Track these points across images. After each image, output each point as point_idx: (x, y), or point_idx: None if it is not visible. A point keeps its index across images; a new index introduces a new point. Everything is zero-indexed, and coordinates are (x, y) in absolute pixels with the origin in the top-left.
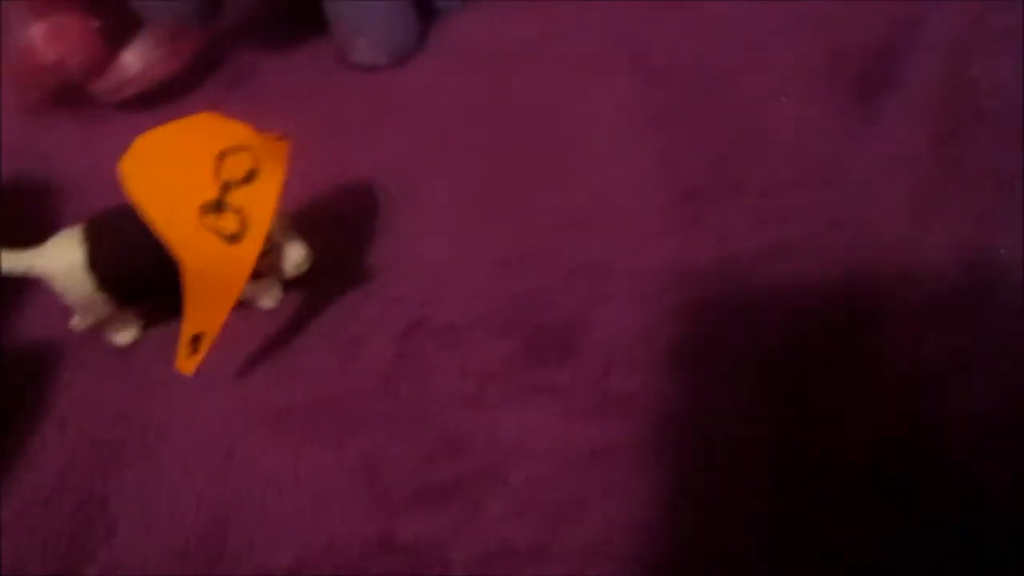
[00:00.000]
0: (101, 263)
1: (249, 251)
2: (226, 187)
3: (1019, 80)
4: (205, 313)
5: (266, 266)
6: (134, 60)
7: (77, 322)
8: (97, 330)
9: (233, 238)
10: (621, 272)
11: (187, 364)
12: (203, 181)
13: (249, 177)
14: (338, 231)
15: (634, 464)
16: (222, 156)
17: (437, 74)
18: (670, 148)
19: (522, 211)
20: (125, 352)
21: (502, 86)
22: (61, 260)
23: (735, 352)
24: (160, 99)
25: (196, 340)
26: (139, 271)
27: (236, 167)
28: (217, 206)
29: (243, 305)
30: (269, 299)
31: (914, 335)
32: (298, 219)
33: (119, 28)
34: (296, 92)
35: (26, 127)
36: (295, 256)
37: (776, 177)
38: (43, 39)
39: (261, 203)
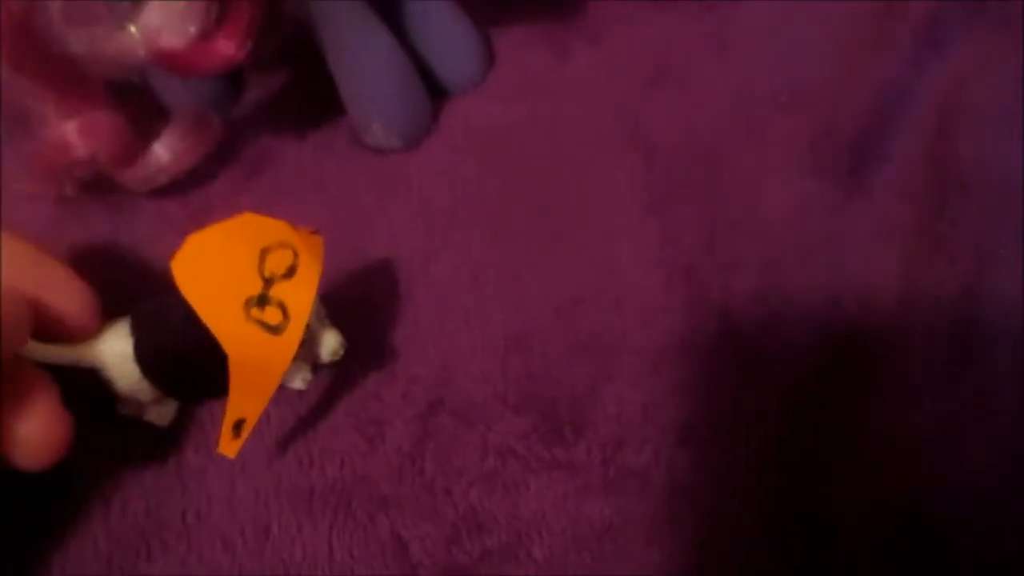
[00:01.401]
0: (147, 353)
1: (291, 341)
2: (269, 282)
3: (1001, 153)
4: (248, 400)
5: (303, 353)
6: (164, 151)
7: (121, 408)
8: (139, 412)
9: (276, 329)
10: (628, 348)
11: (229, 448)
12: (248, 277)
13: (290, 272)
14: (357, 312)
15: (646, 538)
16: (264, 253)
17: (446, 155)
18: (670, 225)
19: (530, 288)
20: (164, 434)
21: (507, 165)
22: (113, 351)
23: (738, 424)
24: (185, 185)
25: (238, 425)
26: (182, 361)
27: (278, 263)
28: (261, 300)
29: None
30: (300, 381)
31: (909, 401)
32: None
33: (144, 118)
34: (313, 175)
35: (56, 217)
36: (331, 343)
37: (772, 253)
38: (77, 135)
39: (301, 296)
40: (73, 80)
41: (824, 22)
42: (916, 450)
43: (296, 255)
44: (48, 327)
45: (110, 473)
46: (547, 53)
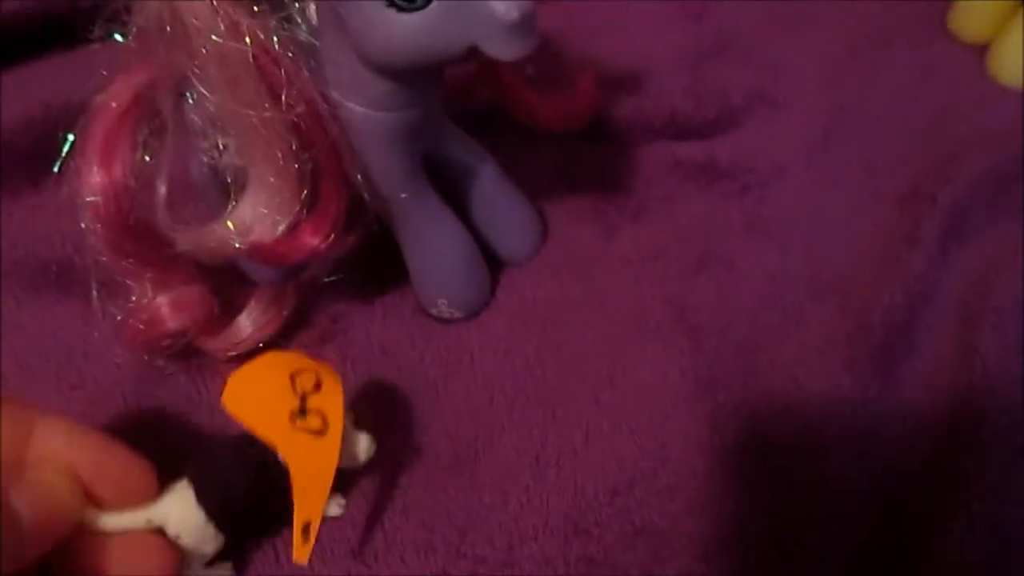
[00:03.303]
0: (206, 490)
1: (334, 439)
2: (303, 397)
3: (1022, 351)
4: (310, 501)
5: (344, 455)
6: (247, 323)
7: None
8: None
9: (320, 432)
10: (680, 533)
11: (302, 553)
12: (286, 396)
13: (317, 386)
14: (424, 484)
15: None
16: (293, 376)
17: (506, 328)
18: (716, 411)
19: (588, 470)
20: None
21: (563, 343)
22: (175, 503)
23: None
24: (261, 350)
25: (306, 529)
26: (237, 490)
27: (305, 381)
28: (302, 411)
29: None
30: (336, 507)
31: None
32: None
33: (229, 290)
34: (381, 343)
35: (140, 378)
36: (365, 443)
37: (811, 443)
38: (168, 310)
39: (332, 401)
40: (168, 261)
41: (852, 206)
42: None
43: (317, 373)
44: (111, 500)
45: None
46: (595, 229)
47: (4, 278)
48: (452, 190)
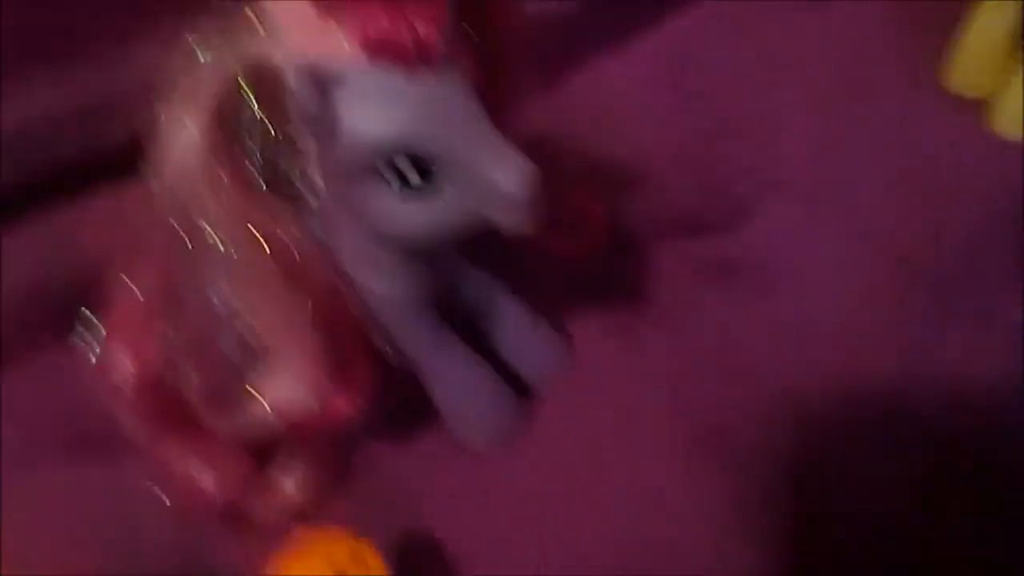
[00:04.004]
0: None
1: None
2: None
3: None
4: None
5: None
6: (290, 486)
7: None
8: None
9: None
10: None
11: None
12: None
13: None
14: None
15: None
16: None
17: (539, 462)
18: (757, 532)
19: None
20: None
21: (595, 470)
22: None
23: None
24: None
25: None
26: None
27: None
28: None
29: None
30: None
31: None
32: None
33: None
34: (415, 479)
35: (184, 540)
36: None
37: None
38: (212, 483)
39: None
40: (206, 437)
41: (873, 293)
42: None
43: (357, 555)
44: None
45: None
46: (622, 344)
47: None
48: (473, 324)
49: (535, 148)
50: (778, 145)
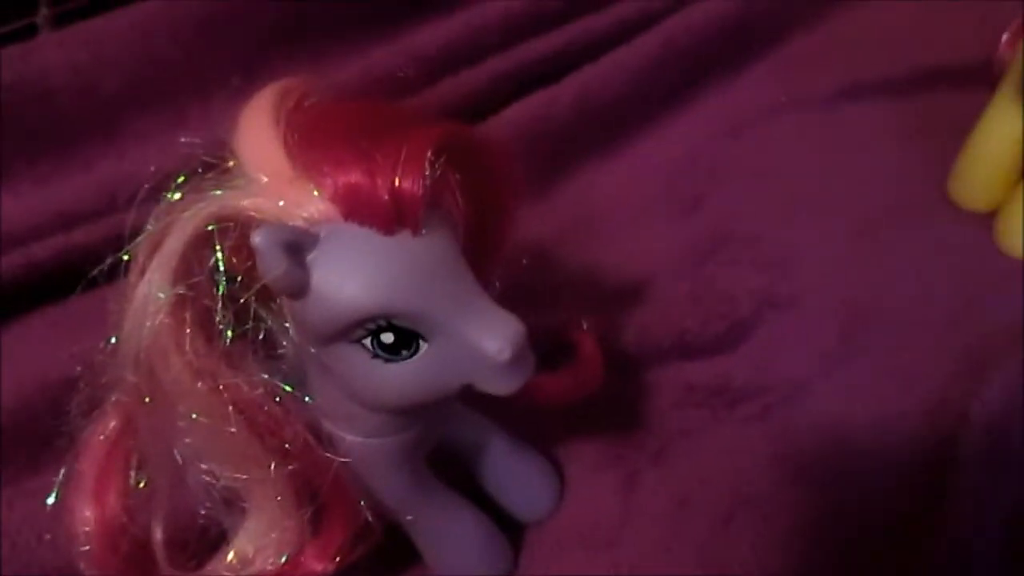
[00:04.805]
0: None
1: None
2: None
3: None
4: None
5: None
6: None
7: None
8: None
9: None
10: None
11: None
12: None
13: None
14: None
15: None
16: None
17: None
18: None
19: None
20: None
21: None
22: None
23: None
24: None
25: None
26: None
27: None
28: None
29: None
30: None
31: None
32: None
33: None
34: None
35: None
36: None
37: None
38: None
39: None
40: None
41: (880, 426)
42: None
43: None
44: None
45: None
46: (616, 478)
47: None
48: (460, 464)
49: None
50: (790, 266)
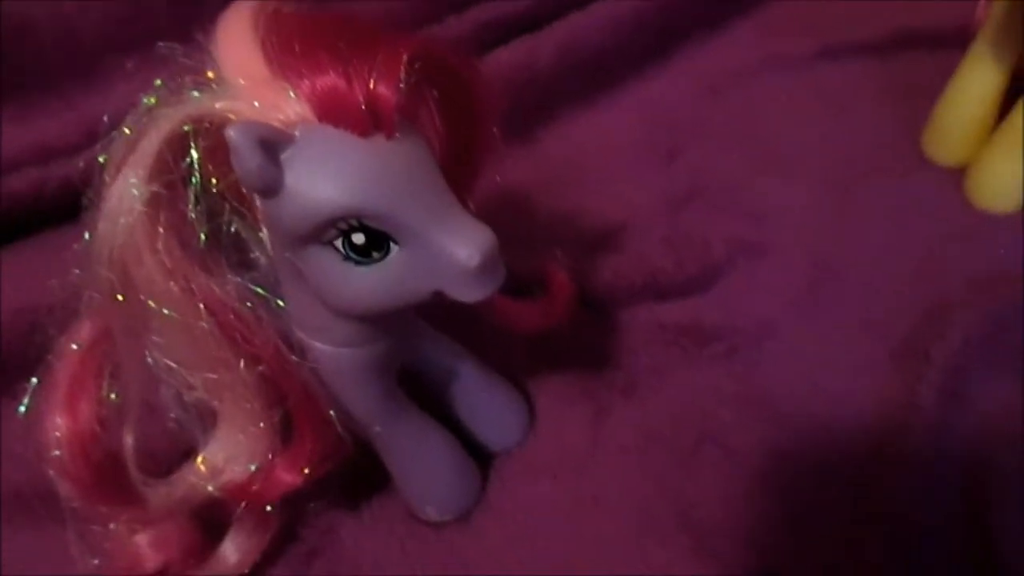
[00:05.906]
0: None
1: None
2: None
3: None
4: None
5: None
6: (232, 551)
7: None
8: None
9: None
10: None
11: None
12: None
13: None
14: None
15: None
16: None
17: (498, 532)
18: None
19: None
20: None
21: (555, 545)
22: None
23: None
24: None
25: None
26: None
27: None
28: None
29: None
30: None
31: None
32: None
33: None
34: (371, 555)
35: None
36: None
37: None
38: (148, 548)
39: None
40: (142, 503)
41: (846, 367)
42: None
43: None
44: None
45: None
46: (585, 410)
47: None
48: (432, 390)
49: (502, 205)
50: (763, 216)
